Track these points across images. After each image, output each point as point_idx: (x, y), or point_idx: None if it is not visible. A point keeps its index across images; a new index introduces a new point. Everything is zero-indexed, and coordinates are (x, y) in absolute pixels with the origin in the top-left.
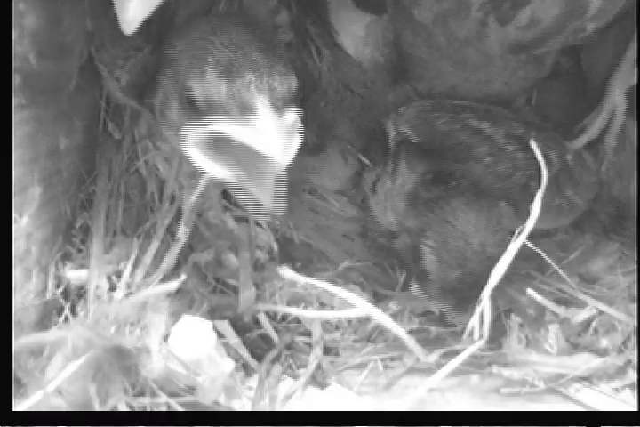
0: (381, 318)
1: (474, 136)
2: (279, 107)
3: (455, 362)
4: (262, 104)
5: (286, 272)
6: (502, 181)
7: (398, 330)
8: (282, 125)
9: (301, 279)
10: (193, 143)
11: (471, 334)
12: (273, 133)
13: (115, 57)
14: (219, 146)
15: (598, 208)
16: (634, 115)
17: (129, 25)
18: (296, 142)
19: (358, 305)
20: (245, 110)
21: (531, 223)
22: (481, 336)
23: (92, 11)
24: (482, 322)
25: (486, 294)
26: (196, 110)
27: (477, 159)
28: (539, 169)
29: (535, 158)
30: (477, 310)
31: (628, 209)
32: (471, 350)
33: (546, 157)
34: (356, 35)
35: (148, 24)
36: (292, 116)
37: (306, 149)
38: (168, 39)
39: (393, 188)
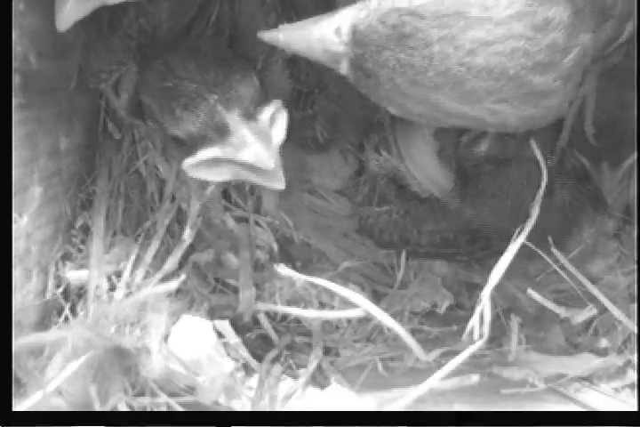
0: (380, 315)
1: None
2: (251, 112)
3: (455, 362)
4: (233, 119)
5: (284, 270)
6: None
7: (397, 328)
8: (258, 132)
9: (299, 277)
10: (194, 170)
11: (471, 333)
12: (251, 144)
13: (98, 71)
14: (218, 162)
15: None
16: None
17: (61, 23)
18: (281, 129)
19: (358, 302)
20: (221, 131)
21: (531, 223)
22: (481, 336)
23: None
24: (482, 322)
25: (486, 293)
26: (184, 145)
27: None
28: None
29: None
30: (477, 310)
31: None
32: (471, 349)
33: None
34: None
35: (126, 39)
36: (269, 110)
37: (317, 145)
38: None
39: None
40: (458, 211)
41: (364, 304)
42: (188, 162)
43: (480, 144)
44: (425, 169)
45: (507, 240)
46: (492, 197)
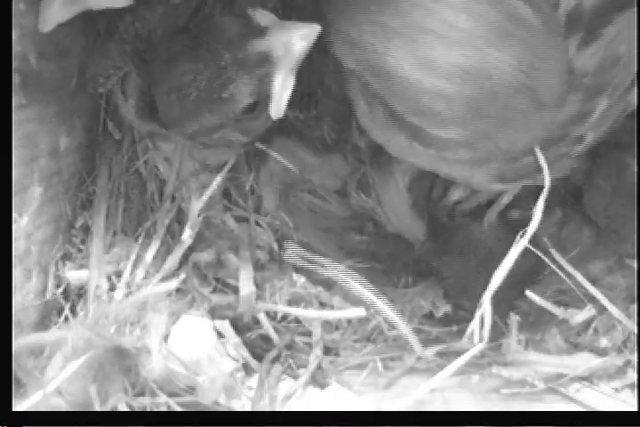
0: (381, 307)
1: None
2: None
3: (456, 364)
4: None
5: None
6: None
7: (397, 321)
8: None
9: (309, 257)
10: None
11: (471, 336)
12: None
13: (96, 75)
14: None
15: None
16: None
17: (44, 25)
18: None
19: (359, 290)
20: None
21: (533, 227)
22: (481, 339)
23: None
24: (482, 325)
25: (487, 297)
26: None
27: None
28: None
29: None
30: (477, 314)
31: None
32: (471, 353)
33: None
34: None
35: (122, 44)
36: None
37: (324, 146)
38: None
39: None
40: (427, 264)
41: (366, 295)
42: None
43: (450, 195)
44: (399, 219)
45: (473, 299)
46: (459, 255)
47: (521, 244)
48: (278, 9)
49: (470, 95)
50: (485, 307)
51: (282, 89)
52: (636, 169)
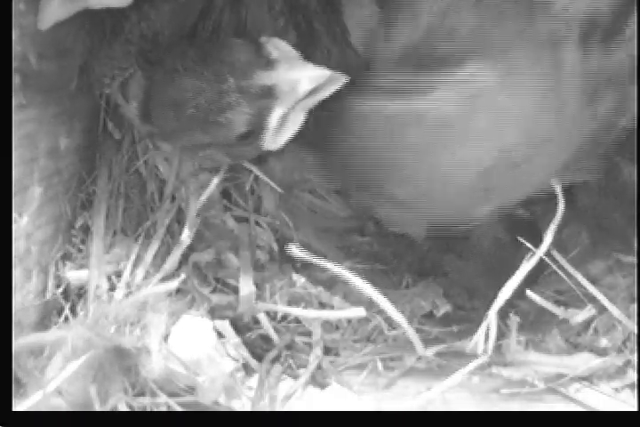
0: (383, 304)
1: None
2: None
3: (459, 376)
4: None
5: (295, 251)
6: None
7: (399, 318)
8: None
9: (311, 260)
10: None
11: (474, 348)
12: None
13: (101, 76)
14: None
15: None
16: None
17: (43, 23)
18: None
19: (361, 286)
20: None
21: (543, 249)
22: (485, 351)
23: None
24: (487, 338)
25: (493, 310)
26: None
27: None
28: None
29: None
30: (482, 326)
31: None
32: (475, 364)
33: None
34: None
35: (127, 45)
36: None
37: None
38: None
39: None
40: (432, 262)
41: (368, 291)
42: None
43: None
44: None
45: (473, 298)
46: (459, 256)
47: (532, 260)
48: (284, 10)
49: None
50: (491, 319)
51: (286, 123)
52: (632, 169)
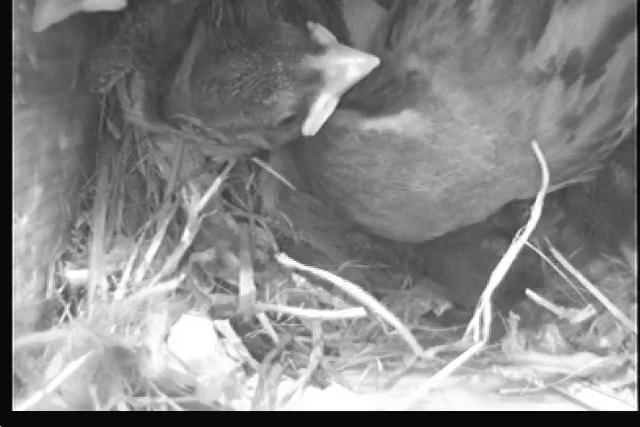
0: (380, 311)
1: None
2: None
3: (457, 362)
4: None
5: (285, 260)
6: None
7: (396, 323)
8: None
9: (301, 268)
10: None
11: (471, 335)
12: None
13: (97, 75)
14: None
15: None
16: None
17: (38, 25)
18: None
19: (358, 296)
20: (315, 76)
21: (531, 226)
22: (481, 337)
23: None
24: (482, 324)
25: (486, 295)
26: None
27: None
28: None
29: None
30: (477, 312)
31: None
32: (472, 351)
33: None
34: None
35: (123, 44)
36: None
37: None
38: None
39: None
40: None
41: (363, 298)
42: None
43: None
44: None
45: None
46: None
47: (519, 243)
48: (283, 8)
49: None
50: (485, 305)
51: (323, 109)
52: (624, 175)
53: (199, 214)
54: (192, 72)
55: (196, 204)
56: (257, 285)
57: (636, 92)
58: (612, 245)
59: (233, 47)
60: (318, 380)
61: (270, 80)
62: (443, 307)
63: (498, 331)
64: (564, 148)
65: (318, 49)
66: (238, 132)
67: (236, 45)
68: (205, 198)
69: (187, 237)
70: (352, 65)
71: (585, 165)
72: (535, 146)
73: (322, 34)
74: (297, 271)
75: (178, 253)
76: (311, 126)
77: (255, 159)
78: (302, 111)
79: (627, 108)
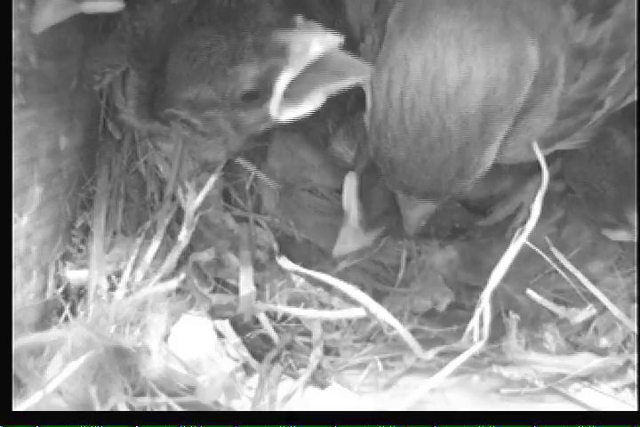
0: (379, 312)
1: None
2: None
3: (455, 363)
4: (281, 35)
5: (285, 263)
6: None
7: (396, 324)
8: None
9: (301, 271)
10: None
11: (471, 334)
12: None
13: (91, 73)
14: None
15: None
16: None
17: (37, 26)
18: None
19: (357, 298)
20: (281, 51)
21: (531, 224)
22: (480, 337)
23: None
24: (482, 323)
25: (486, 295)
26: (257, 97)
27: None
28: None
29: None
30: (477, 311)
31: None
32: (472, 351)
33: None
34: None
35: (119, 42)
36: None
37: (326, 141)
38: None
39: None
40: None
41: (363, 300)
42: None
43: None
44: None
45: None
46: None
47: (520, 241)
48: (284, 8)
49: None
50: (484, 305)
51: (301, 98)
52: (624, 139)
53: (196, 213)
54: (143, 91)
55: (192, 202)
56: (257, 285)
57: (625, 57)
58: (616, 213)
59: (212, 20)
60: (318, 380)
61: (237, 52)
62: (445, 301)
63: (498, 331)
64: (570, 87)
65: (289, 26)
66: (204, 107)
67: (214, 19)
68: (201, 196)
69: (184, 235)
70: (316, 40)
71: (567, 129)
72: (535, 146)
73: (304, 21)
74: (296, 272)
75: (176, 252)
76: (280, 110)
77: (239, 159)
78: (265, 87)
79: (613, 73)
